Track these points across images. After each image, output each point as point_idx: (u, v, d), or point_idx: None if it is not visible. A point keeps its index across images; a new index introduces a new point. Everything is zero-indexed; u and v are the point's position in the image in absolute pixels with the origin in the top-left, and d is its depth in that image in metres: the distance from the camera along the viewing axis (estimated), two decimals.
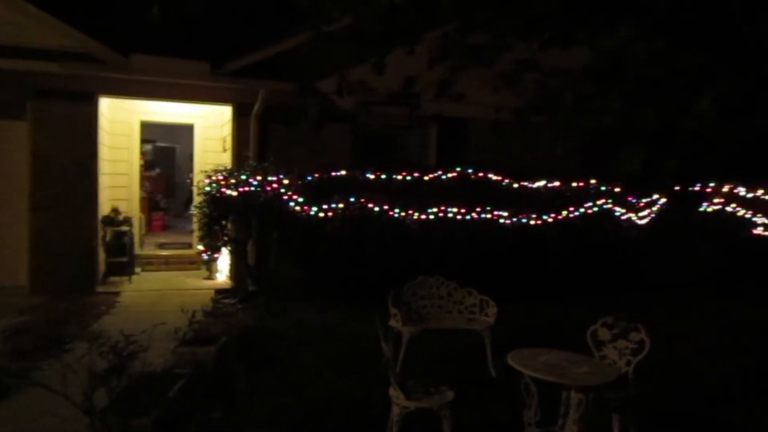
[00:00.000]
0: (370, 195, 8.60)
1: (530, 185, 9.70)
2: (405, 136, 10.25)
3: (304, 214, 8.33)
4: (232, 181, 8.29)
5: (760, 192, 11.35)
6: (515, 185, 9.60)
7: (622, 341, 4.64)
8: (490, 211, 9.21)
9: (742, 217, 11.20)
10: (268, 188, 8.25)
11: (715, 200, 11.04)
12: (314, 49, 5.64)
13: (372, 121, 8.69)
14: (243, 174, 8.37)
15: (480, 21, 3.90)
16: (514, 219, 9.33)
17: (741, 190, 11.24)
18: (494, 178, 9.47)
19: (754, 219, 11.28)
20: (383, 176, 8.91)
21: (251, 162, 8.85)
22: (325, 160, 9.02)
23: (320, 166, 8.84)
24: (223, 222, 8.75)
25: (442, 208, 8.94)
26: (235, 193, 8.19)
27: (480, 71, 4.47)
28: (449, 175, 9.26)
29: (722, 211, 11.06)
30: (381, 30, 4.00)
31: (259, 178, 8.31)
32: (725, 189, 11.13)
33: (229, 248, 9.11)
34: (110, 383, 3.78)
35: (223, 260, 9.87)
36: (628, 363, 4.51)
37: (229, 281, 9.61)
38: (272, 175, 8.33)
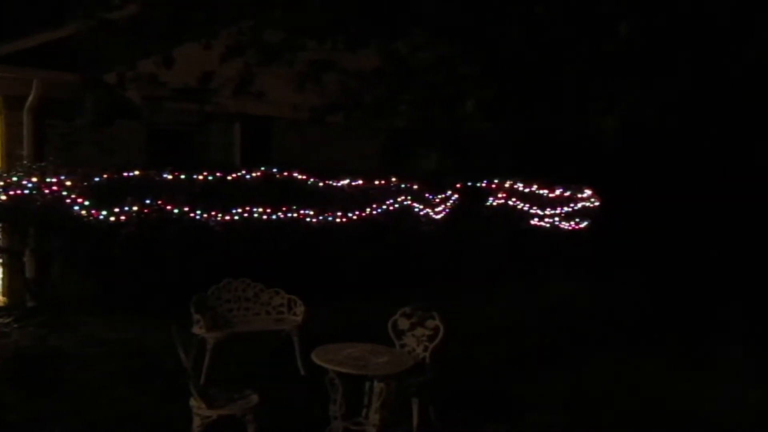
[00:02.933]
0: (169, 196, 8.11)
1: (335, 184, 9.91)
2: (207, 135, 9.83)
3: (92, 218, 7.59)
4: (0, 183, 7.26)
5: (534, 187, 12.86)
6: (320, 184, 9.74)
7: (420, 329, 4.93)
8: (297, 210, 9.23)
9: (521, 209, 12.60)
10: (47, 191, 7.39)
11: (499, 195, 12.27)
12: (99, 38, 5.14)
13: (166, 117, 8.18)
14: (15, 176, 7.37)
15: (273, 19, 3.86)
16: (321, 217, 9.47)
17: (519, 186, 12.63)
18: (300, 177, 9.51)
19: (531, 211, 12.75)
20: (183, 176, 8.45)
21: (25, 162, 7.84)
22: (116, 160, 8.30)
23: (111, 166, 8.11)
24: None
25: (248, 208, 8.76)
26: (4, 197, 7.19)
27: (281, 70, 4.44)
28: (254, 174, 9.09)
29: (505, 204, 12.33)
30: (167, 21, 3.76)
31: (35, 179, 7.39)
32: (507, 185, 12.41)
33: (0, 260, 7.97)
34: None
35: None
36: (426, 349, 4.82)
37: (2, 298, 8.41)
38: (51, 177, 7.46)
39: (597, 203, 13.90)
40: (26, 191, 7.30)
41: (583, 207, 13.68)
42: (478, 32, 3.58)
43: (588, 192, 13.80)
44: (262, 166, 9.23)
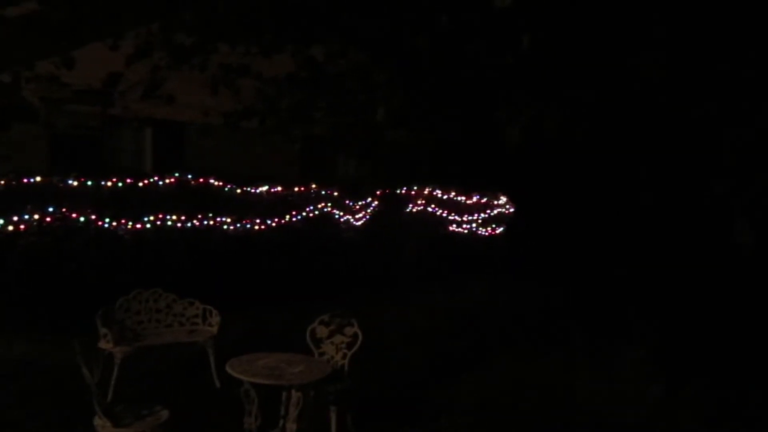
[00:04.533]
0: (73, 204, 7.68)
1: (253, 190, 9.72)
2: (117, 140, 9.41)
3: None
4: None
5: (452, 194, 13.16)
6: (238, 191, 9.53)
7: (339, 336, 4.92)
8: (212, 218, 8.99)
9: (440, 216, 12.85)
10: None
11: (419, 201, 12.46)
12: None
13: (69, 121, 7.76)
14: None
15: (183, 21, 3.75)
16: (238, 225, 9.26)
17: (438, 192, 12.88)
18: (216, 183, 9.26)
19: (449, 217, 13.04)
20: (89, 183, 8.03)
21: None
22: (14, 165, 7.77)
23: (9, 171, 7.58)
24: None
25: (160, 216, 8.43)
26: None
27: (193, 74, 4.31)
28: (167, 181, 8.77)
29: (424, 211, 12.54)
30: (67, 19, 3.57)
31: None
32: (426, 191, 12.63)
33: None
34: None
35: None
36: (344, 356, 4.80)
37: None
38: None
39: (512, 210, 14.40)
40: None
41: (499, 213, 14.13)
42: (388, 41, 3.64)
43: (503, 199, 14.27)
44: (176, 172, 8.92)
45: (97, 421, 3.73)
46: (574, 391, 6.15)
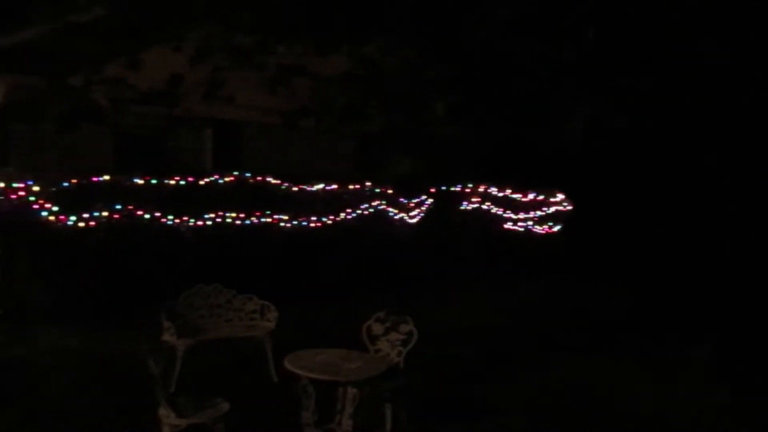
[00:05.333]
0: (138, 201, 7.98)
1: (309, 188, 9.84)
2: (178, 139, 9.70)
3: (60, 224, 7.43)
4: None
5: (508, 191, 12.95)
6: (294, 189, 9.67)
7: (394, 333, 4.92)
8: (270, 215, 9.15)
9: (495, 214, 12.68)
10: (13, 196, 7.21)
11: (473, 199, 12.33)
12: (66, 41, 5.07)
13: (134, 121, 8.06)
14: None
15: (243, 23, 3.83)
16: (294, 222, 9.40)
17: (493, 190, 12.71)
18: (273, 181, 9.43)
19: (504, 215, 12.84)
20: (153, 181, 8.32)
21: None
22: (83, 164, 8.14)
23: (79, 170, 7.95)
24: None
25: (220, 213, 8.65)
26: None
27: (252, 75, 4.40)
28: (226, 179, 8.99)
29: (479, 208, 12.40)
30: (134, 23, 3.71)
31: (1, 185, 7.21)
32: (480, 189, 12.48)
33: None
34: None
35: None
36: (399, 354, 4.81)
37: None
38: (17, 181, 7.28)
39: (569, 207, 14.05)
40: None
41: (556, 211, 13.82)
42: (444, 39, 3.60)
43: (561, 196, 13.94)
44: (234, 171, 9.13)
45: (162, 411, 3.86)
46: (632, 395, 5.96)
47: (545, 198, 13.65)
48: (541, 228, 13.43)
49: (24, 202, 7.31)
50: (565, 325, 8.67)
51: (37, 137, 8.13)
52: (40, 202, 7.39)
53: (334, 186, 10.14)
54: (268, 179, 9.41)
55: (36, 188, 7.42)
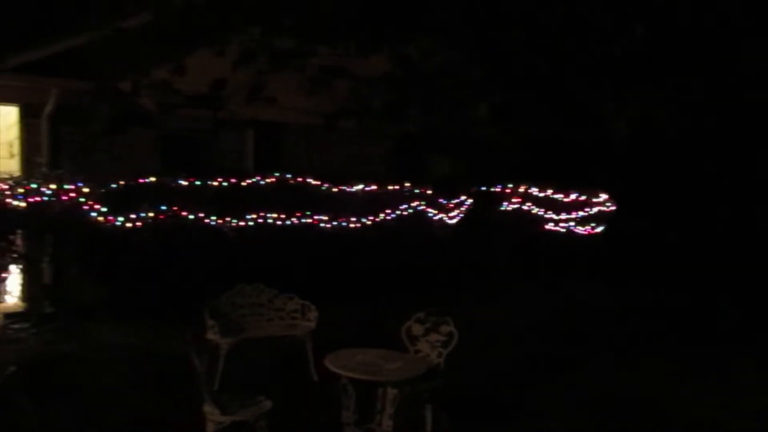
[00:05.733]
0: (182, 202, 8.16)
1: (348, 189, 9.90)
2: (221, 141, 9.89)
3: (108, 224, 7.65)
4: (20, 190, 7.35)
5: (549, 191, 12.76)
6: (334, 189, 9.74)
7: (434, 334, 4.91)
8: (310, 216, 9.25)
9: (536, 214, 12.50)
10: (65, 197, 7.46)
11: (513, 200, 12.19)
12: (114, 46, 5.23)
13: (179, 124, 8.25)
14: (33, 182, 7.46)
15: (285, 26, 3.89)
16: (334, 223, 9.47)
17: (534, 190, 12.54)
18: (313, 182, 9.52)
19: (545, 216, 12.65)
20: (197, 182, 8.50)
21: (44, 169, 7.93)
22: (131, 166, 8.36)
23: (126, 172, 8.18)
24: (11, 237, 7.72)
25: (261, 214, 8.78)
26: (23, 204, 7.28)
27: (292, 76, 4.46)
28: (267, 180, 9.13)
29: (519, 209, 12.24)
30: (179, 29, 3.80)
31: (53, 186, 7.47)
32: (521, 189, 12.33)
33: (19, 266, 8.06)
34: None
35: (14, 280, 8.71)
36: (440, 355, 4.79)
37: (21, 303, 8.50)
38: (69, 183, 7.54)
39: (613, 207, 13.74)
40: (44, 198, 7.38)
41: (599, 211, 13.55)
42: (485, 37, 3.57)
43: (604, 196, 13.66)
44: (275, 172, 9.25)
45: (206, 408, 3.95)
46: (681, 402, 5.79)
47: (588, 198, 13.40)
48: (583, 229, 13.19)
49: (74, 203, 7.53)
50: (608, 328, 8.49)
51: (86, 140, 8.38)
52: (90, 203, 7.61)
53: (374, 187, 10.18)
54: (308, 180, 9.52)
55: (86, 190, 7.66)
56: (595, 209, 13.49)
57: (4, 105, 8.72)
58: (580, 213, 13.21)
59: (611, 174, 13.16)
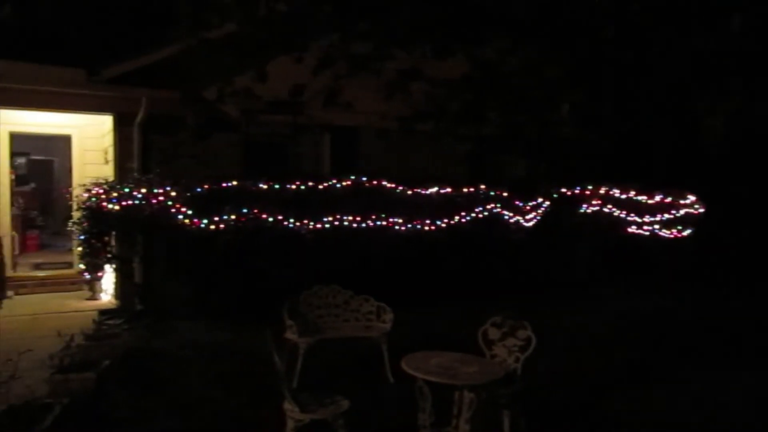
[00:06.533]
0: (262, 205, 8.43)
1: (423, 192, 9.90)
2: (298, 146, 10.14)
3: (193, 227, 8.01)
4: (114, 194, 7.83)
5: (632, 193, 12.25)
6: (408, 192, 9.77)
7: (511, 339, 4.82)
8: (385, 218, 9.31)
9: (617, 217, 12.03)
10: (154, 201, 7.87)
11: (593, 202, 11.79)
12: (199, 56, 5.49)
13: (260, 129, 8.53)
14: (125, 187, 7.92)
15: (362, 31, 3.94)
16: (408, 225, 9.49)
17: (616, 192, 12.07)
18: (388, 185, 9.59)
19: (628, 218, 12.15)
20: (276, 186, 8.76)
21: (135, 174, 8.41)
22: (214, 171, 8.73)
23: (209, 176, 8.55)
24: (106, 238, 8.22)
25: (337, 216, 8.93)
26: (117, 207, 7.74)
27: (368, 80, 4.51)
28: (343, 183, 9.27)
29: (599, 211, 11.83)
30: (262, 38, 3.93)
31: (143, 190, 7.90)
32: (602, 191, 11.91)
33: (113, 266, 8.58)
34: None
35: (108, 279, 9.28)
36: (517, 360, 4.70)
37: (114, 301, 9.04)
38: (158, 188, 7.95)
39: (701, 210, 13.02)
40: (136, 201, 7.82)
41: (686, 214, 12.88)
42: (567, 35, 3.47)
43: (691, 198, 12.98)
44: (351, 175, 9.40)
45: (287, 406, 4.04)
46: None
47: (674, 200, 12.77)
48: (668, 232, 12.57)
49: (163, 207, 7.94)
50: (696, 335, 8.05)
51: (174, 147, 8.81)
52: (177, 206, 8.00)
53: (448, 189, 10.14)
54: (383, 183, 9.60)
55: (173, 193, 8.06)
56: (682, 211, 12.84)
57: (100, 114, 9.33)
58: (666, 215, 12.60)
59: (701, 174, 12.48)
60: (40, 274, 10.20)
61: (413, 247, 9.48)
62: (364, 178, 9.47)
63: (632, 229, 12.18)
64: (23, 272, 10.19)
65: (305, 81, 4.73)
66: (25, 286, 9.72)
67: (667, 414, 5.37)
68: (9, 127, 9.93)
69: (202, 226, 8.04)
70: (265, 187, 8.70)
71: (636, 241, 12.11)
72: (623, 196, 12.13)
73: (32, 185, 15.06)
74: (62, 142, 11.40)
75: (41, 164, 16.03)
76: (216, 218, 8.11)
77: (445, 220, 9.89)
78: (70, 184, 10.64)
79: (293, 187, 8.90)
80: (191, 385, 5.67)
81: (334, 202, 9.09)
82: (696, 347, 7.45)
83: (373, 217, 9.23)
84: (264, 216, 8.38)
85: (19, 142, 11.24)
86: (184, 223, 7.99)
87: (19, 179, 12.68)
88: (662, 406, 5.52)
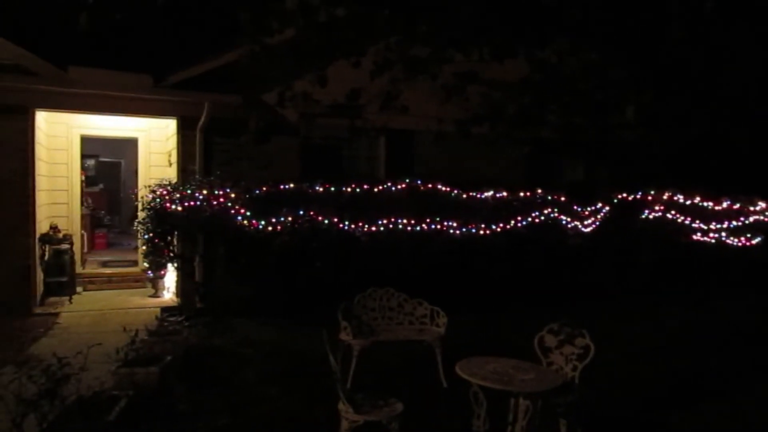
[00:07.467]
0: (318, 208, 8.55)
1: (478, 196, 9.82)
2: (354, 149, 10.24)
3: (251, 228, 8.20)
4: (177, 195, 8.10)
5: (697, 199, 11.78)
6: (463, 196, 9.71)
7: (568, 347, 4.72)
8: (439, 222, 9.28)
9: (681, 223, 11.59)
10: (214, 202, 8.10)
11: (656, 207, 11.40)
12: (258, 61, 5.63)
13: (317, 133, 8.64)
14: (188, 188, 8.18)
15: (420, 34, 3.94)
16: (463, 229, 9.42)
17: (680, 198, 11.64)
18: (443, 188, 9.55)
19: (693, 225, 11.69)
20: (332, 189, 8.87)
21: (197, 176, 8.67)
22: (272, 174, 8.91)
23: (267, 179, 8.73)
24: (169, 238, 8.52)
25: (392, 219, 8.96)
26: (179, 208, 8.00)
27: (424, 83, 4.51)
28: (398, 186, 9.30)
29: (662, 218, 11.42)
30: (322, 42, 3.98)
31: (204, 192, 8.14)
32: (665, 197, 11.50)
33: (175, 265, 8.87)
34: (41, 409, 3.59)
35: (170, 277, 9.61)
36: (574, 368, 4.60)
37: (176, 299, 9.35)
38: (218, 189, 8.18)
39: None
40: (197, 202, 8.07)
41: (756, 221, 12.29)
42: (632, 35, 3.37)
43: (762, 204, 12.37)
44: (406, 178, 9.41)
45: (341, 406, 4.08)
46: None
47: (743, 206, 12.20)
48: (737, 240, 12.02)
49: (223, 208, 8.16)
50: (763, 349, 7.66)
51: (234, 150, 9.04)
52: (236, 207, 8.21)
53: (504, 193, 10.01)
54: (438, 186, 9.57)
55: (233, 195, 8.27)
56: (752, 218, 12.25)
57: (165, 118, 9.68)
58: (734, 222, 12.05)
59: None
60: (107, 271, 10.66)
61: (468, 252, 9.40)
62: (419, 182, 9.46)
63: (697, 236, 11.70)
64: (91, 269, 10.68)
65: (362, 84, 4.76)
66: (93, 283, 10.18)
67: (728, 430, 5.13)
68: (80, 131, 10.43)
69: (260, 227, 8.21)
70: (321, 189, 8.82)
71: (701, 249, 11.63)
72: (687, 202, 11.69)
73: (101, 186, 15.78)
74: (129, 145, 11.89)
75: (109, 166, 16.79)
76: (273, 220, 8.27)
77: (501, 224, 9.76)
78: (135, 185, 11.10)
79: (348, 189, 8.99)
80: (248, 382, 5.79)
81: (389, 205, 9.12)
82: (763, 361, 7.09)
83: (428, 220, 9.21)
84: (320, 218, 8.49)
85: (89, 145, 11.81)
86: (243, 224, 8.18)
87: (88, 180, 13.31)
88: (724, 422, 5.27)
